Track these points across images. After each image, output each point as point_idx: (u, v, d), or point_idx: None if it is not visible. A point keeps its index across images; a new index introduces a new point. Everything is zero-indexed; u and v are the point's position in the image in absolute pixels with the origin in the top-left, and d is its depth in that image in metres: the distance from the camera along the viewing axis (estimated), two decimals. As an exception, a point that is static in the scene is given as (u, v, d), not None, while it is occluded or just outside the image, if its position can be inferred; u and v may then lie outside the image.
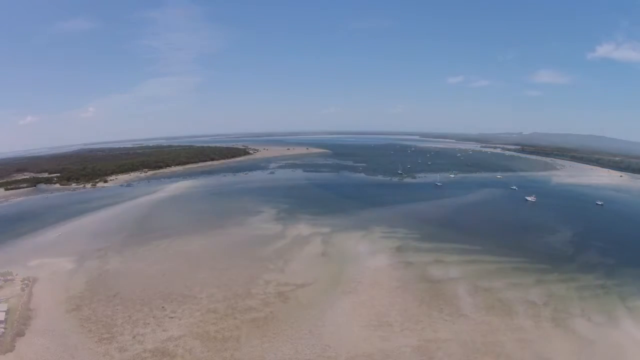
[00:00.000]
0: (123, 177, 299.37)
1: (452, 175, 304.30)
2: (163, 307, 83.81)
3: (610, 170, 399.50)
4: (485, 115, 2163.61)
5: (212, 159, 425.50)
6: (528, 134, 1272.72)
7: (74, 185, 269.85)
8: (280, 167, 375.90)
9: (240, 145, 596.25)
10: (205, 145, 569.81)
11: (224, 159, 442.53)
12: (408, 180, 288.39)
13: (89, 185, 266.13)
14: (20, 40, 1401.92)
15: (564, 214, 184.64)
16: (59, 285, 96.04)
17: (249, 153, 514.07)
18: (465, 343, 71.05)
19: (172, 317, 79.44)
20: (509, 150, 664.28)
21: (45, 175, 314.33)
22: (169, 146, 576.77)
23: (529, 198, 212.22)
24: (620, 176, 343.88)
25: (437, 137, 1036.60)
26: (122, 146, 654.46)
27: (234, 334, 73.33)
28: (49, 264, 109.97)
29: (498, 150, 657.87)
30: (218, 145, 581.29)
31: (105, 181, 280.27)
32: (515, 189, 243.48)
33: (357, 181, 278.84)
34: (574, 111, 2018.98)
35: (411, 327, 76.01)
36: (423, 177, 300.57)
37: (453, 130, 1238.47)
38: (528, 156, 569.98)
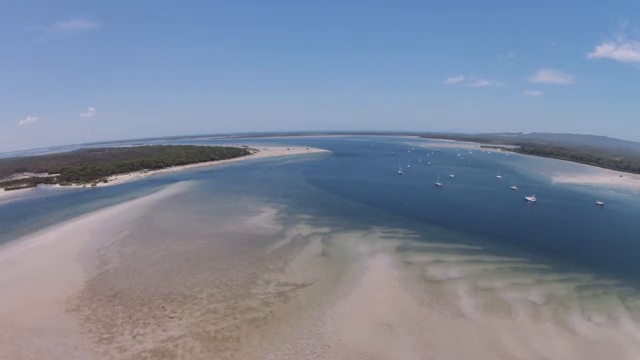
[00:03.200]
0: (123, 177, 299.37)
1: (452, 175, 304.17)
2: (163, 307, 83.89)
3: (611, 170, 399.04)
4: (485, 116, 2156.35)
5: (212, 159, 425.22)
6: (528, 134, 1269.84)
7: (74, 185, 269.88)
8: (281, 167, 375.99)
9: (240, 145, 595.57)
10: (205, 145, 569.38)
11: (223, 159, 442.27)
12: (408, 180, 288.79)
13: (89, 185, 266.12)
14: (19, 40, 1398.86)
15: (564, 214, 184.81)
16: (58, 284, 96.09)
17: (249, 153, 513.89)
18: (464, 343, 71.10)
19: (172, 317, 79.53)
20: (509, 150, 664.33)
21: (45, 175, 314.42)
22: (169, 146, 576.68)
23: (529, 198, 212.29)
24: (621, 176, 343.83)
25: (437, 137, 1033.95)
26: (122, 146, 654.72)
27: (234, 334, 73.42)
28: (49, 264, 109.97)
29: (498, 150, 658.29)
30: (218, 145, 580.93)
31: (105, 181, 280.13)
32: (515, 189, 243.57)
33: (356, 181, 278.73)
34: (574, 111, 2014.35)
35: (411, 327, 76.01)
36: (423, 177, 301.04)
37: (453, 130, 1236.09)
38: (528, 156, 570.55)
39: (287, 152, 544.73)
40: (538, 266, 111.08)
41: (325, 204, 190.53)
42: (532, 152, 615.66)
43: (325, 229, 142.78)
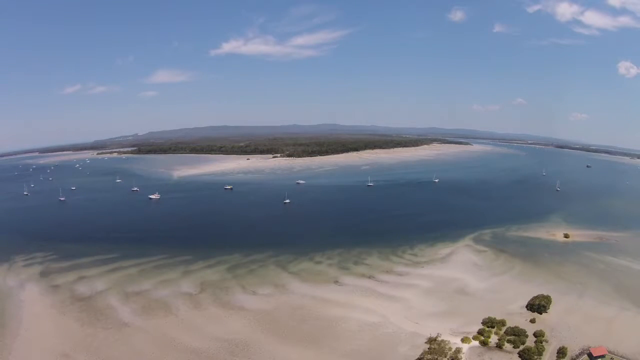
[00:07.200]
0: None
1: (74, 188, 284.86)
2: None
3: (237, 156, 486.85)
4: (102, 122, 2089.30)
5: None
6: (144, 134, 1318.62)
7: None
8: None
9: None
10: None
11: None
12: (33, 200, 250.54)
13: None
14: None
15: (191, 205, 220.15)
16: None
17: None
18: (141, 351, 74.49)
19: None
20: (125, 153, 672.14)
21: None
22: None
23: (152, 196, 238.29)
24: (248, 159, 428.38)
25: (56, 150, 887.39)
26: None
27: None
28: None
29: (115, 155, 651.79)
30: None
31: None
32: (137, 190, 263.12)
33: None
34: (193, 105, 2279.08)
35: (86, 350, 75.18)
36: (47, 194, 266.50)
37: (71, 141, 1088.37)
38: (145, 156, 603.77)
39: None
40: (181, 259, 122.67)
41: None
42: (149, 152, 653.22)
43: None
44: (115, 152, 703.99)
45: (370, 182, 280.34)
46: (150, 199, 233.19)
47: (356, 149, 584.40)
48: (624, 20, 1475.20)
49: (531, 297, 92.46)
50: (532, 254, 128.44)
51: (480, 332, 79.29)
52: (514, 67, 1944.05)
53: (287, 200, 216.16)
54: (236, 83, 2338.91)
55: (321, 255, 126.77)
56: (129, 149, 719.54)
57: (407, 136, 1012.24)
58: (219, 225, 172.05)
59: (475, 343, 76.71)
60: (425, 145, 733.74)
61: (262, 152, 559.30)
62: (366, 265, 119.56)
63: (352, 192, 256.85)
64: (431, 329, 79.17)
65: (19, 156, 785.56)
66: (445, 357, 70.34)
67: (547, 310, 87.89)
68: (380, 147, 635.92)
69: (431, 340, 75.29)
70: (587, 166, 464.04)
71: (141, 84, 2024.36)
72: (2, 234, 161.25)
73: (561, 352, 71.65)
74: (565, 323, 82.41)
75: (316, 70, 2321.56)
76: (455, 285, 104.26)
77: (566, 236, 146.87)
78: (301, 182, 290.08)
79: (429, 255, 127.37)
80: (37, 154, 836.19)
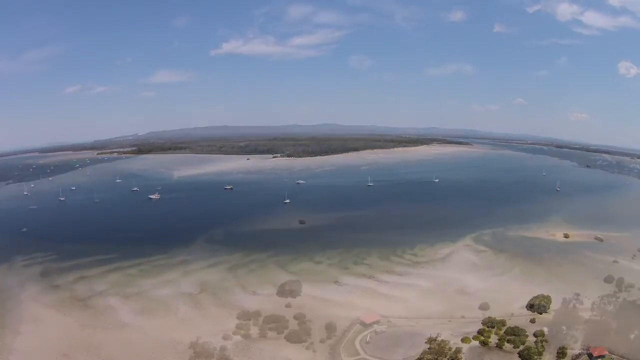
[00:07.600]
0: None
1: (74, 188, 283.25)
2: None
3: (237, 156, 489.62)
4: (102, 121, 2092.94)
5: None
6: (144, 134, 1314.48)
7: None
8: None
9: None
10: None
11: None
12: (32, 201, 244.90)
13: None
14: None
15: (190, 204, 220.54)
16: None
17: None
18: (140, 351, 74.72)
19: None
20: (125, 153, 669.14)
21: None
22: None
23: (152, 196, 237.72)
24: (248, 159, 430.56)
25: (56, 150, 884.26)
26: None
27: None
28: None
29: (115, 155, 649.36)
30: None
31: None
32: (137, 190, 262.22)
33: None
34: (193, 105, 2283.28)
35: (87, 350, 75.42)
36: (48, 195, 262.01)
37: (71, 141, 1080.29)
38: (145, 156, 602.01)
39: None
40: (180, 259, 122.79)
41: None
42: (149, 152, 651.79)
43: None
44: (115, 152, 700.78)
45: (370, 182, 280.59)
46: (150, 199, 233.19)
47: (356, 149, 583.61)
48: (624, 20, 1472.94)
49: (531, 297, 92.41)
50: (532, 254, 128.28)
51: (480, 332, 79.29)
52: (514, 67, 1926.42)
53: (287, 200, 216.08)
54: (236, 83, 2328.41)
55: (321, 255, 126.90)
56: (129, 149, 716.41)
57: (407, 136, 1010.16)
58: (219, 225, 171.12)
59: (475, 343, 76.76)
60: (425, 145, 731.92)
61: (262, 152, 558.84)
62: (366, 265, 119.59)
63: (352, 192, 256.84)
64: (431, 329, 79.11)
65: (19, 156, 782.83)
66: (445, 357, 70.29)
67: (547, 310, 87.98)
68: (380, 147, 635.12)
69: (431, 340, 75.10)
70: (587, 166, 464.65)
71: (141, 84, 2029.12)
72: (2, 234, 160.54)
73: (561, 352, 71.63)
74: (565, 323, 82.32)
75: (316, 70, 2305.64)
76: (455, 285, 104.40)
77: (566, 236, 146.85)
78: (301, 182, 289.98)
79: (429, 255, 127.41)
80: (37, 154, 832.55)
